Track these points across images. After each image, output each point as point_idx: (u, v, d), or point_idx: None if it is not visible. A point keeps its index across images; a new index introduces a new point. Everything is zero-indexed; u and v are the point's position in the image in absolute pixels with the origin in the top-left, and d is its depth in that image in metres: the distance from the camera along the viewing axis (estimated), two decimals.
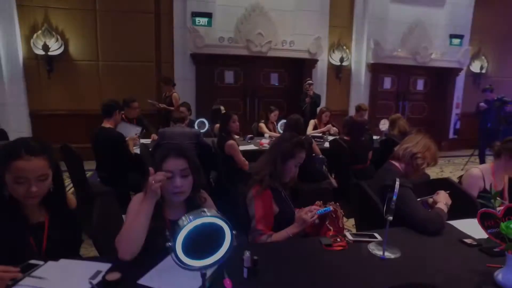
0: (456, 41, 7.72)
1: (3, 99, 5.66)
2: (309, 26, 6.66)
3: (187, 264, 0.96)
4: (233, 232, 1.00)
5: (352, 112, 6.88)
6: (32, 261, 1.28)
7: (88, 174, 4.86)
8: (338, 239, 1.54)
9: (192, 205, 1.45)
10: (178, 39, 6.22)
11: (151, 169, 1.35)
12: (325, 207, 1.85)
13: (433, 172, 5.37)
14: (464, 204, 2.01)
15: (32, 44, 5.76)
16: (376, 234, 1.60)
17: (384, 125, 4.95)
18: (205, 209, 0.97)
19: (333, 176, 4.19)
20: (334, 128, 5.49)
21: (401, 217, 1.71)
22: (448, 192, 1.88)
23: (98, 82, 6.16)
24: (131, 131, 3.73)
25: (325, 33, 6.93)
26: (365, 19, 7.11)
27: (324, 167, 3.90)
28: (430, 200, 1.93)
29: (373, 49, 7.05)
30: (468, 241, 1.58)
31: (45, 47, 5.74)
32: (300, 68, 6.94)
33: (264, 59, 6.70)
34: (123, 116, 4.48)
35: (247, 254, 1.21)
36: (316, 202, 1.89)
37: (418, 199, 1.85)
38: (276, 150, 1.83)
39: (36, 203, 1.37)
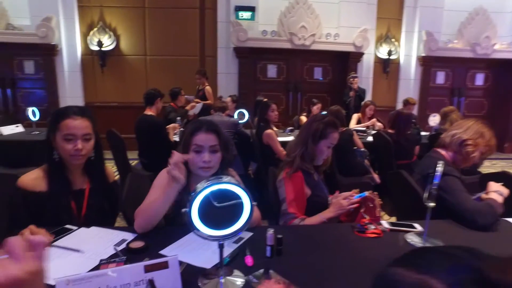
0: None
1: (63, 92, 6.17)
2: (355, 18, 6.41)
3: (203, 232, 0.93)
4: (253, 203, 0.96)
5: (399, 108, 6.50)
6: (68, 226, 1.35)
7: (134, 162, 5.13)
8: (372, 226, 1.43)
9: None
10: (222, 33, 6.30)
11: (173, 153, 1.35)
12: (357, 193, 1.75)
13: None
14: None
15: (88, 41, 6.18)
16: (415, 224, 1.47)
17: (434, 120, 4.60)
18: (224, 176, 0.93)
19: (376, 172, 3.98)
20: (379, 123, 5.22)
21: (446, 209, 1.56)
22: (501, 184, 1.66)
23: (145, 75, 6.45)
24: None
25: (372, 25, 6.63)
26: (417, 8, 6.68)
27: (365, 161, 3.72)
28: (484, 196, 1.73)
29: (425, 41, 6.59)
30: None
31: (100, 43, 6.13)
32: (344, 62, 6.70)
33: (308, 53, 6.57)
34: (172, 104, 4.70)
35: (270, 231, 1.15)
36: (353, 190, 1.79)
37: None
38: (307, 130, 1.75)
39: (80, 168, 1.49)
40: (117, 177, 3.59)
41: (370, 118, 5.21)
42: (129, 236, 1.29)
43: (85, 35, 6.22)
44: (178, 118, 4.07)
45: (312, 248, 1.29)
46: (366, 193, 1.70)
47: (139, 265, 0.89)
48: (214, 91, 6.23)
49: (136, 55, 6.40)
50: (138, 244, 1.19)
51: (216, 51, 6.40)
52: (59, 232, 1.30)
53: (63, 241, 1.24)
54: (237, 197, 0.93)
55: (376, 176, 3.75)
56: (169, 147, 3.37)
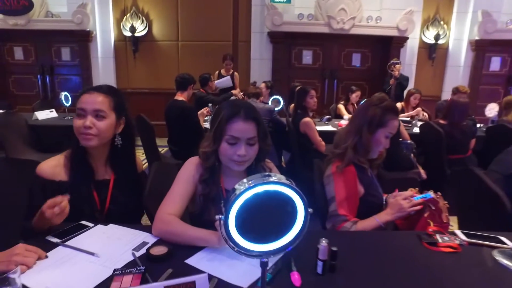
0: None
1: (97, 78, 6.20)
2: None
3: (243, 247, 0.71)
4: (309, 209, 0.72)
5: (445, 97, 5.95)
6: (83, 222, 1.18)
7: (163, 150, 5.04)
8: (446, 238, 1.15)
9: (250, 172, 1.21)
10: (256, 17, 6.02)
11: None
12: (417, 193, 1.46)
13: None
14: None
15: (122, 27, 6.13)
16: (503, 238, 1.16)
17: (492, 110, 4.11)
18: (271, 174, 0.70)
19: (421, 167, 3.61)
20: (425, 113, 4.78)
21: None
22: None
23: (177, 61, 6.33)
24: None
25: (418, 6, 6.05)
26: None
27: (412, 154, 3.37)
28: None
29: (481, 23, 5.92)
30: None
31: (132, 29, 6.06)
32: (386, 47, 6.21)
33: (346, 38, 6.13)
34: (202, 91, 4.55)
35: (323, 243, 0.91)
36: (410, 189, 1.50)
37: None
38: (362, 116, 1.46)
39: (104, 156, 1.33)
40: (145, 165, 3.46)
41: (414, 108, 4.78)
42: (150, 238, 1.10)
43: (118, 21, 6.17)
44: (210, 104, 3.89)
45: (371, 263, 1.04)
46: (431, 194, 1.42)
47: (159, 286, 0.68)
48: (247, 78, 6.00)
49: (168, 41, 6.28)
50: (160, 250, 0.99)
51: (249, 36, 6.14)
52: (73, 229, 1.13)
53: (77, 241, 1.07)
54: (288, 201, 0.70)
55: (422, 172, 3.39)
56: (200, 134, 3.20)
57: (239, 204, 0.67)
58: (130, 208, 1.36)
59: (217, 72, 5.54)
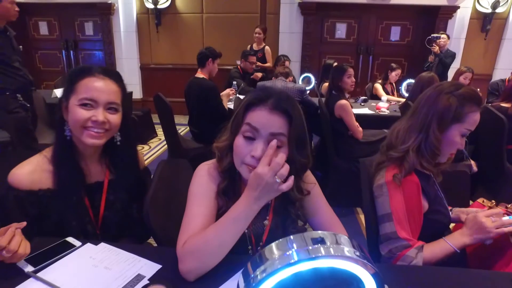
0: None
1: (119, 53, 6.03)
2: None
3: None
4: None
5: (498, 77, 5.28)
6: (69, 239, 0.94)
7: (184, 131, 4.82)
8: None
9: (282, 194, 0.90)
10: None
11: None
12: (509, 211, 1.11)
13: None
14: None
15: None
16: None
17: None
18: (324, 236, 0.39)
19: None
20: None
21: None
22: None
23: (201, 35, 6.00)
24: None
25: None
26: None
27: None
28: None
29: None
30: None
31: (155, 1, 5.75)
32: (431, 19, 5.55)
33: (385, 8, 5.53)
34: (238, 67, 4.25)
35: None
36: (493, 203, 1.16)
37: None
38: (430, 108, 1.09)
39: (97, 153, 1.09)
40: (151, 159, 3.18)
41: None
42: (149, 268, 0.84)
43: None
44: (234, 82, 3.56)
45: None
46: None
47: None
48: (275, 53, 5.59)
49: (192, 13, 5.93)
50: None
51: (278, 8, 5.66)
52: (55, 250, 0.89)
53: (56, 269, 0.83)
54: (351, 280, 0.40)
55: (473, 163, 2.96)
56: (223, 116, 2.91)
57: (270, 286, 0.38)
58: (129, 214, 1.11)
59: (249, 46, 5.17)
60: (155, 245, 1.15)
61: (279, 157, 0.76)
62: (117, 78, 1.06)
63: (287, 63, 4.42)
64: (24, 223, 0.82)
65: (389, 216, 1.05)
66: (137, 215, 1.11)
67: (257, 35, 4.98)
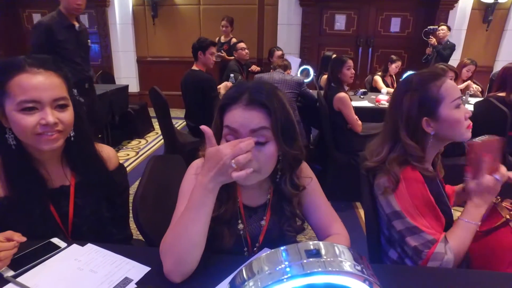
0: None
1: (116, 46, 5.93)
2: None
3: None
4: None
5: (500, 69, 5.22)
6: (54, 240, 0.89)
7: (181, 125, 4.76)
8: None
9: (278, 191, 0.85)
10: None
11: (205, 129, 0.76)
12: None
13: None
14: None
15: None
16: None
17: None
18: (319, 247, 0.34)
19: None
20: (476, 85, 4.18)
21: None
22: None
23: (198, 27, 5.91)
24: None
25: None
26: None
27: None
28: None
29: None
30: None
31: None
32: (431, 10, 5.46)
33: (385, 0, 5.46)
34: (236, 59, 4.20)
35: None
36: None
37: None
38: (397, 114, 1.04)
39: (57, 155, 0.97)
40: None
41: (465, 81, 4.17)
42: (137, 271, 0.79)
43: None
44: (232, 75, 3.50)
45: None
46: None
47: None
48: (274, 45, 5.50)
49: (188, 4, 5.83)
50: None
51: None
52: (40, 250, 0.84)
53: (38, 273, 0.78)
54: None
55: None
56: None
57: None
58: (103, 219, 1.01)
59: (217, 38, 4.94)
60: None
61: (245, 144, 0.71)
62: (55, 67, 0.90)
63: (279, 52, 4.37)
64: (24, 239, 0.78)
65: (399, 213, 1.00)
66: (108, 214, 1.03)
67: (224, 28, 4.83)
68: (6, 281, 0.75)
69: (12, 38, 6.18)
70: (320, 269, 0.31)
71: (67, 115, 0.90)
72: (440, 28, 4.63)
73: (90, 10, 5.86)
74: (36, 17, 6.16)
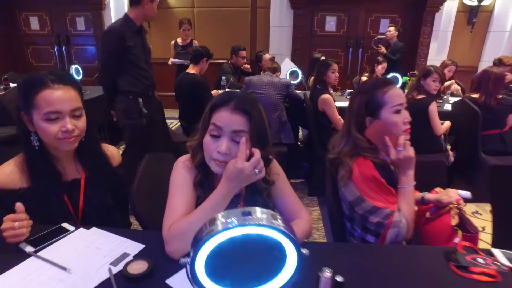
0: None
1: None
2: None
3: None
4: (301, 250, 0.55)
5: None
6: (64, 225, 1.07)
7: (175, 126, 4.93)
8: (480, 260, 0.96)
9: (250, 185, 1.03)
10: None
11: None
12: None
13: None
14: None
15: None
16: None
17: None
18: (253, 211, 0.53)
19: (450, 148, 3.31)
20: (457, 85, 4.38)
21: None
22: None
23: (193, 29, 6.04)
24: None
25: None
26: None
27: (442, 135, 3.07)
28: None
29: None
30: None
31: None
32: (418, 12, 5.67)
33: (374, 1, 5.68)
34: (230, 63, 4.35)
35: (326, 273, 0.75)
36: (438, 189, 1.31)
37: None
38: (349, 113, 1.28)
39: (71, 154, 1.17)
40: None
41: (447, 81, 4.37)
42: (134, 247, 0.98)
43: None
44: (223, 77, 3.68)
45: None
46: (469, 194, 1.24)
47: None
48: (266, 47, 5.68)
49: (183, 7, 5.99)
50: (139, 267, 0.87)
51: (269, 1, 5.73)
52: (52, 234, 1.02)
53: (53, 249, 0.96)
54: (275, 245, 0.53)
55: (451, 154, 3.11)
56: None
57: (210, 248, 0.51)
58: (108, 209, 1.22)
59: (173, 42, 4.94)
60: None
61: (257, 153, 0.92)
62: (72, 82, 1.10)
63: (267, 55, 4.54)
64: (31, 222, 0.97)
65: (360, 198, 1.19)
66: (112, 202, 1.22)
67: (186, 31, 4.82)
68: (28, 256, 0.93)
69: (9, 41, 6.32)
70: (250, 221, 0.49)
71: (81, 123, 1.10)
72: (387, 30, 4.87)
73: (86, 13, 6.01)
74: (33, 20, 6.29)
